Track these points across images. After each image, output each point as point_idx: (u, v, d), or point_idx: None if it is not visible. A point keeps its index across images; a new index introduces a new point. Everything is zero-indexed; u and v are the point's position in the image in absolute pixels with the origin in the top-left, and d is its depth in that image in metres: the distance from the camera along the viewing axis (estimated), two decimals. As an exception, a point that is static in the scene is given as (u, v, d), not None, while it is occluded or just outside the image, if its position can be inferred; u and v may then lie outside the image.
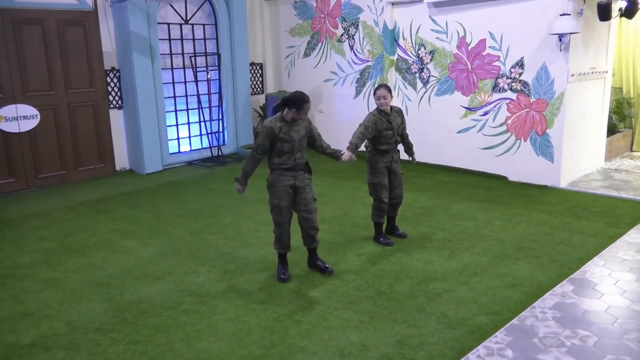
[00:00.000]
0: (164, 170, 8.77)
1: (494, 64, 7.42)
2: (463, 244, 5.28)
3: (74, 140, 8.19)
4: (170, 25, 8.90)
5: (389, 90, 5.06)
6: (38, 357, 3.55)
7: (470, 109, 7.81)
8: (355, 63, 9.16)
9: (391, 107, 5.14)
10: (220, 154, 9.43)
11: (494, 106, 7.53)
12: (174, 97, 9.14)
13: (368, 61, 8.96)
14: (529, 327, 3.73)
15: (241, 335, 3.73)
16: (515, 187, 7.20)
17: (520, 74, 7.19)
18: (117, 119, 8.68)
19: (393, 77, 8.64)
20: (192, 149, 9.45)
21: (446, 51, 7.92)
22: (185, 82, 9.21)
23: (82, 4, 8.01)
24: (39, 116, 7.78)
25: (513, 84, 7.29)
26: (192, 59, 9.06)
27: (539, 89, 7.05)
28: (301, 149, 4.44)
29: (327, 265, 4.71)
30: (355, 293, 4.31)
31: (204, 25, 9.28)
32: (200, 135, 9.54)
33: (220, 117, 9.56)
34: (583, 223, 5.78)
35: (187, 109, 9.32)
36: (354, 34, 9.07)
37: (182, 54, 9.11)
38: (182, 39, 9.07)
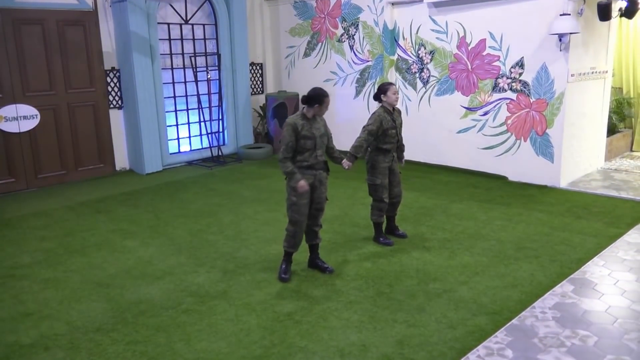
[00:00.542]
0: (164, 170, 8.77)
1: (494, 64, 7.42)
2: (463, 244, 5.28)
3: (74, 140, 8.20)
4: (170, 25, 8.90)
5: None
6: (38, 357, 3.55)
7: (470, 109, 7.81)
8: (355, 63, 9.16)
9: (393, 107, 5.17)
10: (220, 154, 9.43)
11: (494, 106, 7.54)
12: (174, 97, 9.14)
13: (368, 61, 8.96)
14: (529, 327, 3.73)
15: (241, 335, 3.73)
16: (515, 187, 7.20)
17: (520, 74, 7.19)
18: (117, 119, 8.69)
19: (393, 77, 8.63)
20: (192, 149, 9.45)
21: (446, 51, 7.92)
22: (185, 82, 9.22)
23: (82, 4, 8.02)
24: (39, 116, 7.78)
25: (513, 84, 7.29)
26: (192, 59, 9.06)
27: (539, 89, 7.05)
28: (322, 147, 4.47)
29: (327, 265, 4.71)
30: (355, 293, 4.31)
31: (204, 25, 9.28)
32: (200, 135, 9.54)
33: (220, 117, 9.56)
34: (583, 223, 5.78)
35: (187, 109, 9.33)
36: (354, 34, 9.07)
37: (182, 54, 9.11)
38: (182, 39, 9.08)
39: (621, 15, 6.83)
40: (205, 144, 9.51)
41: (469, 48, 7.64)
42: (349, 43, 9.18)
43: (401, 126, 5.27)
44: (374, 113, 5.14)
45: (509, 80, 7.31)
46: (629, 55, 8.78)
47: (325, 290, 4.36)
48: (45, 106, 7.85)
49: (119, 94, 8.63)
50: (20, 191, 7.75)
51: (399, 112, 5.26)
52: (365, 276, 4.61)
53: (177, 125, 9.24)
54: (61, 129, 8.05)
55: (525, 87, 7.18)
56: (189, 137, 9.43)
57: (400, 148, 5.38)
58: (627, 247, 5.08)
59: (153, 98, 8.45)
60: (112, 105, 8.60)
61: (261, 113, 10.40)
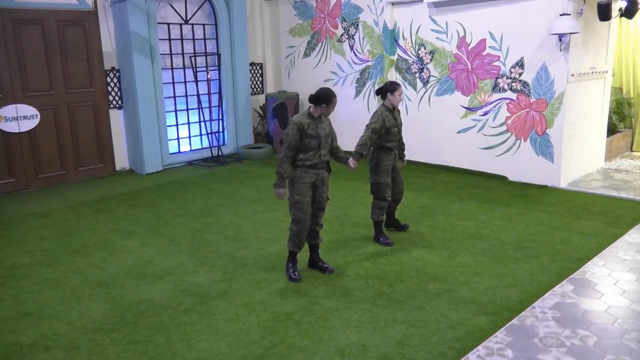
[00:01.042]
0: (164, 170, 8.77)
1: (494, 64, 7.42)
2: (463, 244, 5.28)
3: (74, 140, 8.19)
4: (170, 25, 8.90)
5: None
6: (38, 357, 3.55)
7: (470, 109, 7.81)
8: (355, 63, 9.16)
9: (393, 106, 5.20)
10: (220, 153, 9.43)
11: (494, 106, 7.53)
12: (174, 97, 9.14)
13: (368, 61, 8.96)
14: (529, 327, 3.73)
15: (241, 335, 3.73)
16: (515, 187, 7.20)
17: (520, 74, 7.19)
18: (117, 119, 8.68)
19: (393, 77, 8.63)
20: (192, 149, 9.45)
21: (446, 51, 7.92)
22: (185, 82, 9.22)
23: (82, 4, 8.01)
24: (39, 116, 7.78)
25: (513, 84, 7.28)
26: (192, 59, 9.06)
27: (539, 89, 7.05)
28: (326, 146, 4.48)
29: (327, 265, 4.72)
30: (355, 293, 4.31)
31: (204, 25, 9.28)
32: (200, 135, 9.54)
33: (220, 117, 9.56)
34: (583, 223, 5.78)
35: (187, 109, 9.32)
36: (354, 34, 9.07)
37: (182, 54, 9.11)
38: (182, 39, 9.07)
39: (621, 15, 6.83)
40: (205, 144, 9.51)
41: (469, 48, 7.64)
42: (349, 43, 9.18)
43: (401, 125, 5.33)
44: (375, 112, 5.17)
45: (509, 80, 7.31)
46: (629, 55, 8.78)
47: (325, 290, 4.36)
48: (45, 106, 7.85)
49: (119, 94, 8.63)
50: (20, 191, 7.75)
51: (399, 111, 5.34)
52: (365, 276, 4.61)
53: (177, 125, 9.24)
54: (61, 129, 8.05)
55: (525, 87, 7.18)
56: (189, 137, 9.43)
57: (401, 147, 5.43)
58: (627, 247, 5.08)
59: (153, 98, 8.45)
60: (112, 105, 8.60)
61: (261, 113, 10.40)
